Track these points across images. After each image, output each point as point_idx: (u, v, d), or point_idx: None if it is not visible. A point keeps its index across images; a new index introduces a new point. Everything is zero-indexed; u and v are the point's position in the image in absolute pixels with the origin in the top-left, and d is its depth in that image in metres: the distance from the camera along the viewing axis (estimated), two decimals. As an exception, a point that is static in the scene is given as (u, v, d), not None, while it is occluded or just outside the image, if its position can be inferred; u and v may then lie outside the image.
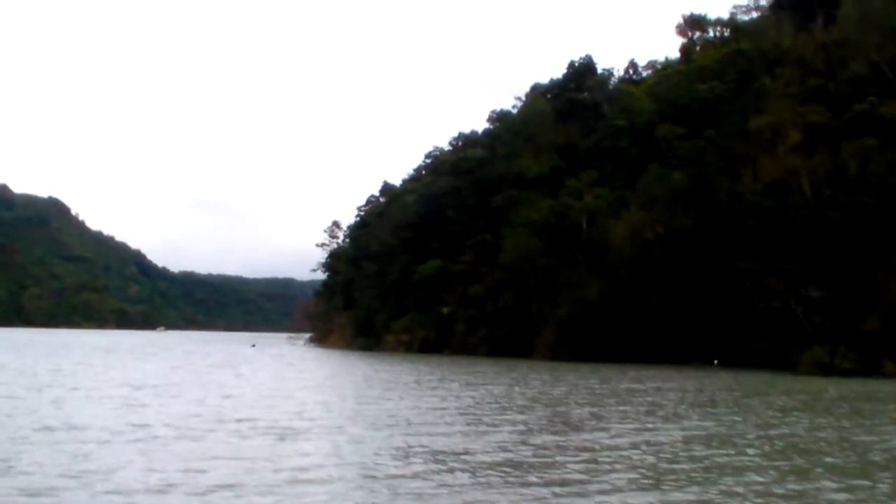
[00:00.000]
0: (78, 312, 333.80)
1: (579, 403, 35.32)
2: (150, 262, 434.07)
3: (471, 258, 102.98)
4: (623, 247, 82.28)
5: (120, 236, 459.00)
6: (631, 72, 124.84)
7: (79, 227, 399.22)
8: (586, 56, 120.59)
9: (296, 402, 33.86)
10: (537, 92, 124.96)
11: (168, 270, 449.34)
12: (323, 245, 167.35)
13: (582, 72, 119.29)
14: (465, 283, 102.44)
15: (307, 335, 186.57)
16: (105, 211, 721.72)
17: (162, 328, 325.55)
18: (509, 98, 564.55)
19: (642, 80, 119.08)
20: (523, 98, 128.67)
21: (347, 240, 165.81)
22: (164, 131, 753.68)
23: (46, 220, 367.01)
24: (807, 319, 68.45)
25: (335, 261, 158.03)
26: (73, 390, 36.14)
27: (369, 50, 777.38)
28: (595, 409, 32.56)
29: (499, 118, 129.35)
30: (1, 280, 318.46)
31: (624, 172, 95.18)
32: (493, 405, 33.91)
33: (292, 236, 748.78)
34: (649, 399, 38.37)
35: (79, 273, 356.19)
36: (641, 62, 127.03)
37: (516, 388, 44.29)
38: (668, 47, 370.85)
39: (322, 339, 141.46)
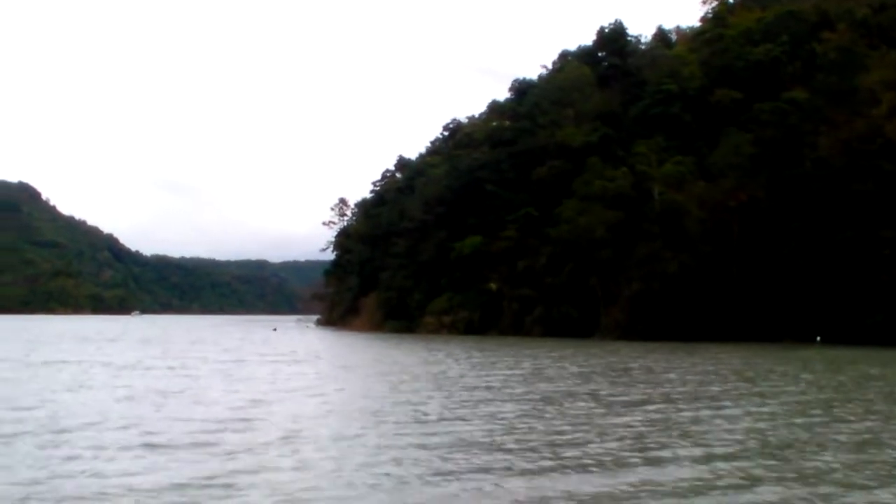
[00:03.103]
0: (53, 298, 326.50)
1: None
2: (122, 246, 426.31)
3: (514, 233, 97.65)
4: (703, 217, 77.41)
5: (92, 220, 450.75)
6: (660, 38, 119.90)
7: (50, 211, 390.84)
8: (616, 21, 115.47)
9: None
10: (567, 59, 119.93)
11: (141, 254, 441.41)
12: (330, 223, 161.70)
13: (613, 38, 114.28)
14: (510, 260, 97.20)
15: (315, 318, 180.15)
16: (76, 195, 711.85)
17: (137, 312, 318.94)
18: (498, 77, 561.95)
19: (673, 46, 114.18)
20: (550, 66, 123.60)
21: (354, 218, 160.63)
22: (133, 113, 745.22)
23: (16, 205, 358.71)
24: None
25: (346, 239, 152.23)
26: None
27: (347, 26, 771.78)
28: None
29: (524, 87, 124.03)
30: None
31: (677, 140, 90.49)
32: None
33: (263, 218, 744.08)
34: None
35: (52, 258, 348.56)
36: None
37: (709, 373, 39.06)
38: (682, 15, 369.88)
39: (342, 322, 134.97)
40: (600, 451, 17.31)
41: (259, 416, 22.72)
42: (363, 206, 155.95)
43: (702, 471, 15.28)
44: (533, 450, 17.39)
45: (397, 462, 15.91)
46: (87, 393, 28.55)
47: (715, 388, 31.26)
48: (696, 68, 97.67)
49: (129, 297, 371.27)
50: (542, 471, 15.24)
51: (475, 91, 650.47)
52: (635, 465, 15.91)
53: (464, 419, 22.26)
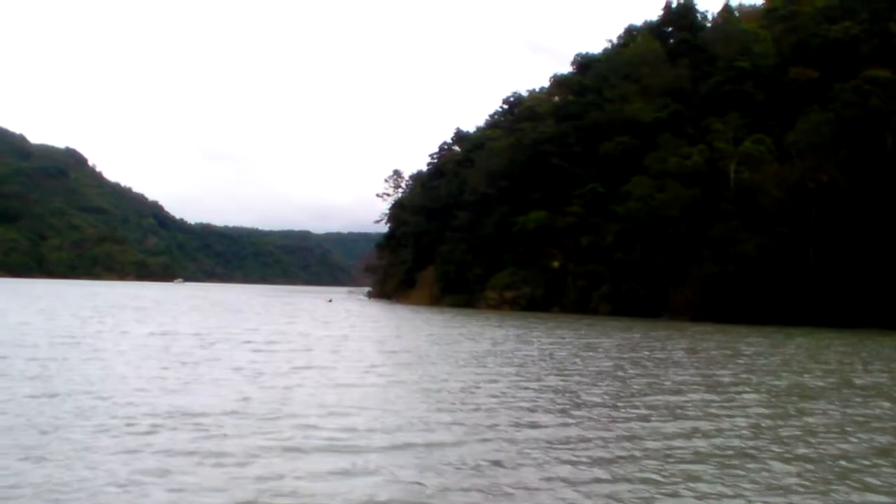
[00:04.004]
0: (99, 264, 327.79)
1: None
2: (167, 213, 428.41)
3: (579, 209, 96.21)
4: (781, 198, 75.63)
5: (137, 188, 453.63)
6: (726, 14, 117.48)
7: (96, 178, 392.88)
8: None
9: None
10: (632, 33, 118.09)
11: (185, 222, 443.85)
12: (384, 195, 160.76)
13: (681, 12, 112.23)
14: (575, 236, 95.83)
15: (366, 289, 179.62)
16: (122, 162, 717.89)
17: (180, 280, 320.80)
18: (549, 53, 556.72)
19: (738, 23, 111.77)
20: (615, 41, 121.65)
21: (407, 190, 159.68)
22: (180, 81, 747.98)
23: (64, 170, 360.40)
24: None
25: (401, 211, 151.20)
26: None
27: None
28: None
29: (587, 61, 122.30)
30: (21, 230, 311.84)
31: (749, 119, 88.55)
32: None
33: (306, 188, 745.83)
34: None
35: (97, 224, 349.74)
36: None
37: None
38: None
39: (398, 295, 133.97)
40: None
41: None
42: (418, 178, 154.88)
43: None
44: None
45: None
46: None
47: None
48: (769, 45, 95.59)
49: (173, 265, 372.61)
50: None
51: (524, 66, 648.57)
52: None
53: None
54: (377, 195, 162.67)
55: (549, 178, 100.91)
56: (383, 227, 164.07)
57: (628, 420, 18.69)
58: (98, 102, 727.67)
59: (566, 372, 28.66)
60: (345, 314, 78.26)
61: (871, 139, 74.76)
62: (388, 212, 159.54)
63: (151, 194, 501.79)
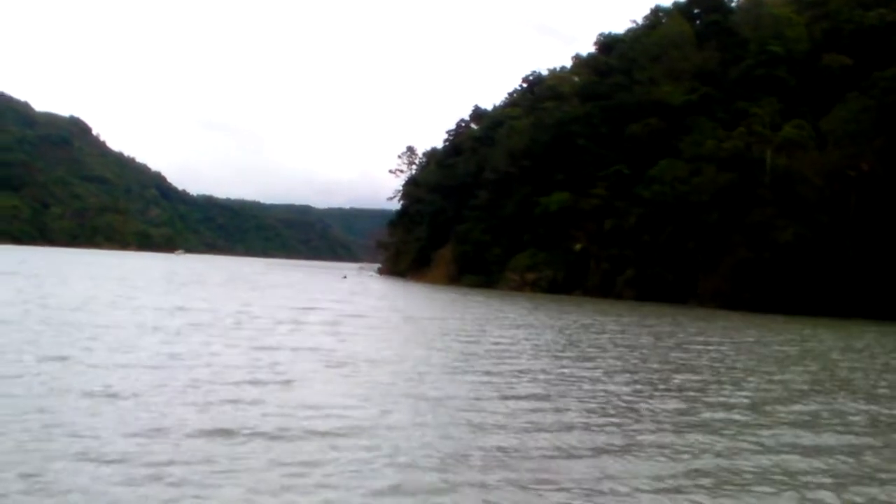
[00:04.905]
0: (101, 234, 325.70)
1: None
2: (169, 184, 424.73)
3: (604, 191, 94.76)
4: (820, 185, 74.12)
5: (140, 158, 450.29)
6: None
7: (100, 147, 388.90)
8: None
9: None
10: (658, 14, 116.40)
11: (187, 194, 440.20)
12: (397, 172, 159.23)
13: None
14: (599, 219, 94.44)
15: (376, 266, 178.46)
16: (125, 132, 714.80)
17: (181, 251, 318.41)
18: (556, 35, 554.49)
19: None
20: (640, 21, 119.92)
21: (420, 167, 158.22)
22: (186, 51, 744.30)
23: (68, 139, 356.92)
24: None
25: (415, 188, 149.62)
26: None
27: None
28: None
29: (610, 42, 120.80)
30: (23, 198, 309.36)
31: (782, 104, 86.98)
32: None
33: (309, 163, 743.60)
34: None
35: (100, 194, 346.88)
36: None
37: None
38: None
39: (413, 273, 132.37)
40: None
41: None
42: (433, 155, 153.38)
43: None
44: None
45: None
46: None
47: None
48: (802, 30, 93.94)
49: (175, 236, 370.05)
50: None
51: (531, 47, 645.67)
52: None
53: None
54: (390, 171, 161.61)
55: (573, 159, 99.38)
56: (387, 204, 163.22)
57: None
58: (103, 71, 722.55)
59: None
60: (385, 292, 77.23)
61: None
62: (401, 189, 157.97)
63: (154, 165, 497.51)
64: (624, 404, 18.81)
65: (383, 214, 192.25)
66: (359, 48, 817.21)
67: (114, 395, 16.31)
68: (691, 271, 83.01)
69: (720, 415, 18.20)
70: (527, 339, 34.29)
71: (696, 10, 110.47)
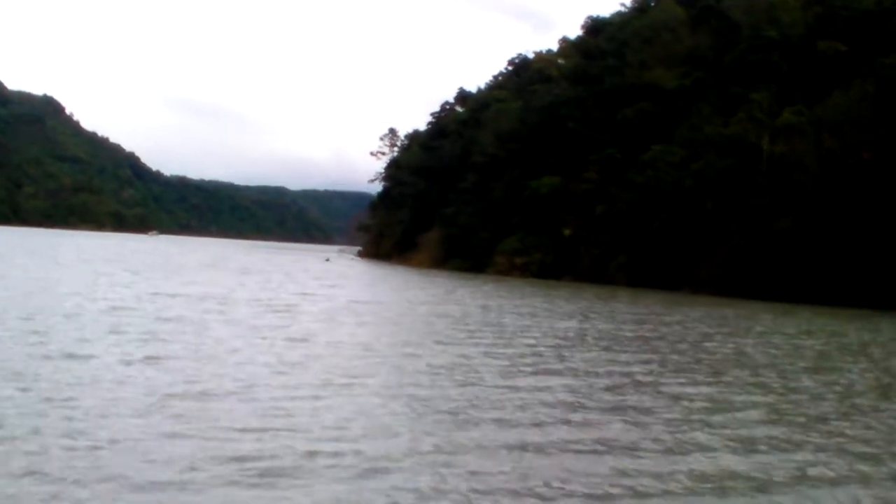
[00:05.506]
0: (75, 214, 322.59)
1: None
2: (143, 165, 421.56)
3: (595, 175, 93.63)
4: (817, 173, 73.16)
5: (114, 138, 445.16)
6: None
7: (73, 126, 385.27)
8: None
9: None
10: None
11: (161, 174, 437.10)
12: (379, 154, 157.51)
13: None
14: (589, 204, 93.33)
15: (356, 249, 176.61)
16: (99, 112, 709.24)
17: (154, 232, 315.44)
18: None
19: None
20: (629, 4, 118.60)
21: (401, 149, 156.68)
22: (161, 30, 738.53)
23: (41, 118, 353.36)
24: None
25: (397, 171, 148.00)
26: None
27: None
28: None
29: (598, 25, 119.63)
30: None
31: (777, 90, 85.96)
32: None
33: (284, 144, 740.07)
34: None
35: (74, 174, 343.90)
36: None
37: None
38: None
39: (397, 256, 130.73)
40: None
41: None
42: (415, 137, 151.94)
43: None
44: None
45: None
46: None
47: None
48: (797, 15, 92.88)
49: (149, 217, 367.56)
50: None
51: (508, 31, 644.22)
52: None
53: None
54: (371, 153, 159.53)
55: (563, 143, 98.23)
56: (362, 186, 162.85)
57: None
58: (77, 50, 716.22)
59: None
60: (380, 276, 76.01)
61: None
62: (383, 171, 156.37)
63: (128, 145, 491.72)
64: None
65: (359, 196, 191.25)
66: (334, 30, 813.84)
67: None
68: (685, 258, 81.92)
69: None
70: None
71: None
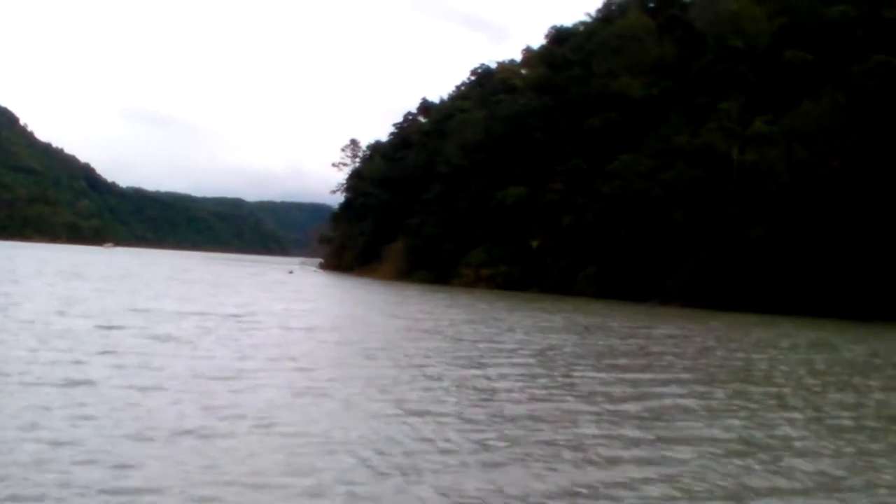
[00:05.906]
0: (30, 225, 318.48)
1: None
2: (99, 176, 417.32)
3: (562, 186, 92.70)
4: (788, 182, 72.63)
5: (69, 149, 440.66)
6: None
7: (27, 137, 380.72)
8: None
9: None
10: (611, 8, 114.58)
11: (117, 186, 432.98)
12: (340, 165, 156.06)
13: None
14: (556, 214, 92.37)
15: (317, 261, 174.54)
16: (54, 122, 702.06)
17: (110, 244, 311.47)
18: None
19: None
20: (593, 14, 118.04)
21: (363, 160, 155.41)
22: (116, 43, 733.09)
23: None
24: None
25: (359, 182, 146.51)
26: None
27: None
28: None
29: (562, 35, 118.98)
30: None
31: (742, 100, 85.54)
32: None
33: (241, 155, 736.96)
34: None
35: (29, 185, 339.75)
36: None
37: None
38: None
39: (360, 268, 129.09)
40: None
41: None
42: (377, 148, 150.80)
43: None
44: None
45: None
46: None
47: None
48: (764, 25, 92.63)
49: (105, 228, 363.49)
50: None
51: (460, 44, 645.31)
52: None
53: None
54: (333, 165, 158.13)
55: (529, 153, 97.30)
56: (320, 197, 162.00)
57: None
58: (30, 61, 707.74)
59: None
60: (349, 289, 74.55)
61: (882, 124, 72.01)
62: (344, 182, 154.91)
63: (83, 156, 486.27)
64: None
65: (316, 208, 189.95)
66: (290, 42, 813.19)
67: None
68: (654, 268, 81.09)
69: None
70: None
71: (651, 5, 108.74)
